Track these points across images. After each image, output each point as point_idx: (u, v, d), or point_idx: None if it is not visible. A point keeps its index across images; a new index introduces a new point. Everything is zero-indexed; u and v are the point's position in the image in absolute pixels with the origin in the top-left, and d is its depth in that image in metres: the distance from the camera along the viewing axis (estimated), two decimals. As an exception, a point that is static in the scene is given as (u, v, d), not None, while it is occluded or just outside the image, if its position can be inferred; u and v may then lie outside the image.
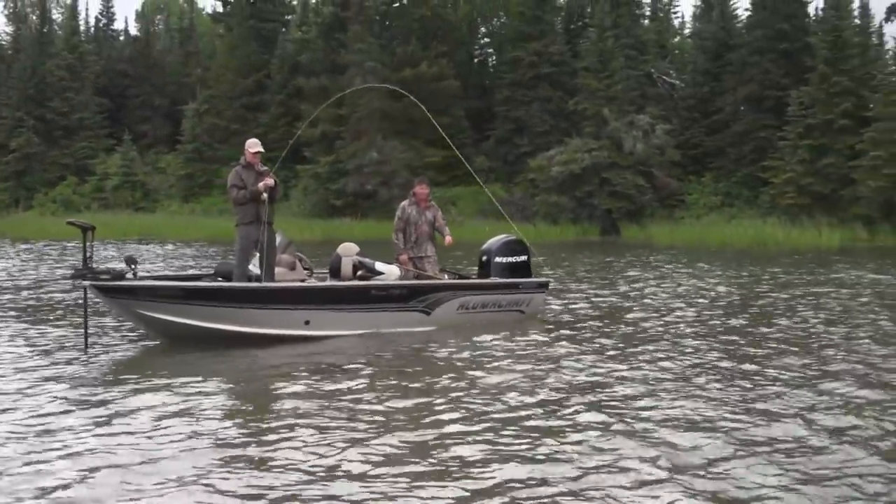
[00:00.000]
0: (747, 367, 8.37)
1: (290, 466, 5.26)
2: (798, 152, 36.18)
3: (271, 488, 4.90)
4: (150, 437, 5.83)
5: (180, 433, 5.93)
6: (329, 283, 10.56)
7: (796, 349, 9.39)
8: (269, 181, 9.71)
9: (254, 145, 10.00)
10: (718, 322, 11.62)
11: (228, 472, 5.17)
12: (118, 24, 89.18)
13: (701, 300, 14.14)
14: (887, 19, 39.04)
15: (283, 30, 50.47)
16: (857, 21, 43.06)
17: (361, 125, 41.14)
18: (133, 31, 65.05)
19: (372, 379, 7.81)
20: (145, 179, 48.33)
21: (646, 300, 14.18)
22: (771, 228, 33.20)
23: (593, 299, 14.25)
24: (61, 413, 6.43)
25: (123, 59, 58.69)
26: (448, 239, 11.44)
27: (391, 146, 40.63)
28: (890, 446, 5.75)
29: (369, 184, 40.20)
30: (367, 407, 6.69)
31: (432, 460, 5.40)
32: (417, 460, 5.39)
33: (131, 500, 4.72)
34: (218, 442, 5.78)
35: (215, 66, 50.80)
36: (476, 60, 53.61)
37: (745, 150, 40.25)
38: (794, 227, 33.16)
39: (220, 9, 54.66)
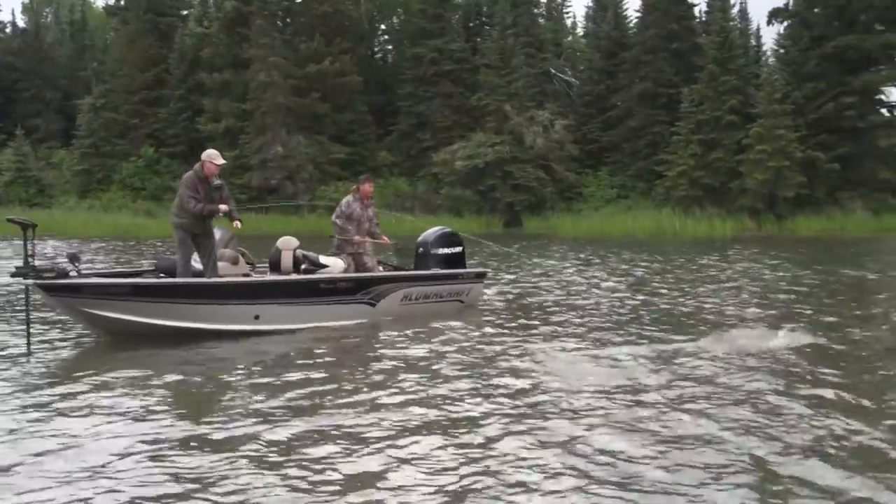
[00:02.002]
0: (671, 346, 8.72)
1: (235, 460, 5.13)
2: (689, 147, 37.37)
3: (214, 483, 4.76)
4: (94, 438, 5.54)
5: (124, 432, 5.66)
6: (279, 277, 10.36)
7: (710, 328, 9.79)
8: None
9: (216, 157, 9.65)
10: (640, 305, 11.99)
11: (173, 469, 4.98)
12: (4, 16, 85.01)
13: (620, 285, 14.54)
14: (769, 22, 40.62)
15: (182, 24, 49.07)
16: (738, 23, 44.87)
17: (266, 120, 40.46)
18: (21, 23, 61.91)
19: (321, 372, 7.63)
20: (39, 175, 46.25)
21: (576, 288, 14.47)
22: (668, 219, 34.28)
23: (523, 288, 14.43)
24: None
25: (11, 52, 55.93)
26: (385, 240, 11.58)
27: (296, 141, 40.12)
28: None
29: (274, 178, 39.62)
30: (317, 400, 6.54)
31: (381, 447, 5.37)
32: (363, 448, 5.34)
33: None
34: (163, 440, 5.53)
35: (111, 61, 48.99)
36: (377, 57, 53.42)
37: (639, 145, 41.37)
38: (688, 218, 34.37)
39: (113, 2, 52.79)
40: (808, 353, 8.28)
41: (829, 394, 6.61)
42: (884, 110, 38.11)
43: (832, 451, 5.24)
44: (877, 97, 37.74)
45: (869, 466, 4.95)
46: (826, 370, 7.50)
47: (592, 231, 33.80)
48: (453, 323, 10.29)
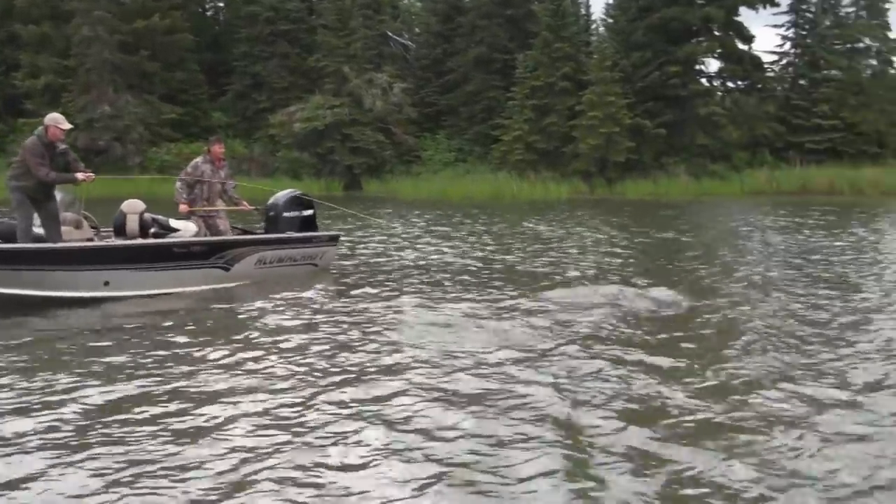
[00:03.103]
0: (512, 303, 9.08)
1: (87, 428, 4.96)
2: (524, 112, 38.07)
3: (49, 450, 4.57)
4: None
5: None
6: (131, 241, 9.75)
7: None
8: (91, 176, 9.21)
9: (62, 121, 9.08)
10: (495, 262, 12.26)
11: (22, 441, 4.75)
12: None
13: (461, 247, 14.82)
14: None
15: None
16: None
17: (90, 77, 38.05)
18: None
19: (177, 338, 7.40)
20: None
21: (420, 250, 14.63)
22: (505, 182, 34.95)
23: (372, 251, 14.46)
24: None
25: None
26: (245, 204, 11.25)
27: (124, 101, 38.00)
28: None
29: (102, 139, 37.41)
30: (174, 369, 6.29)
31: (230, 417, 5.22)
32: (215, 417, 5.21)
33: None
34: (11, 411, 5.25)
35: None
36: (209, 14, 51.29)
37: (476, 109, 41.77)
38: (524, 181, 35.15)
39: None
40: (624, 312, 8.66)
41: (640, 355, 6.77)
42: (703, 80, 40.25)
43: (644, 412, 5.32)
44: (697, 67, 39.66)
45: (681, 431, 5.02)
46: (636, 330, 7.81)
47: (432, 194, 34.00)
48: (307, 288, 10.14)
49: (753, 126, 39.86)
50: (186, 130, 38.91)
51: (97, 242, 9.51)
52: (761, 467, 4.41)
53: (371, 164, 38.94)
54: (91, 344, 7.16)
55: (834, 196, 33.30)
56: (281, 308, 8.84)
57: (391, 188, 36.68)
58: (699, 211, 27.16)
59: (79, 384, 5.82)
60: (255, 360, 6.55)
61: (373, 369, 6.23)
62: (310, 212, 11.69)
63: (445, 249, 14.75)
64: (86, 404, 5.38)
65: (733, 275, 11.62)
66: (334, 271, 11.86)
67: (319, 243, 11.65)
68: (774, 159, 39.57)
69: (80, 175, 9.12)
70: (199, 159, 10.87)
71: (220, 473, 4.30)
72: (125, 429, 4.92)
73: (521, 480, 4.27)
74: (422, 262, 12.89)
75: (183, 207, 10.64)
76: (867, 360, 6.69)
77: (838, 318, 8.41)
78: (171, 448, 4.62)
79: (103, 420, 5.07)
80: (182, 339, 7.32)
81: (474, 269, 12.17)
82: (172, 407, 5.31)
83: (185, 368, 6.27)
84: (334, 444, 4.70)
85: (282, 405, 5.35)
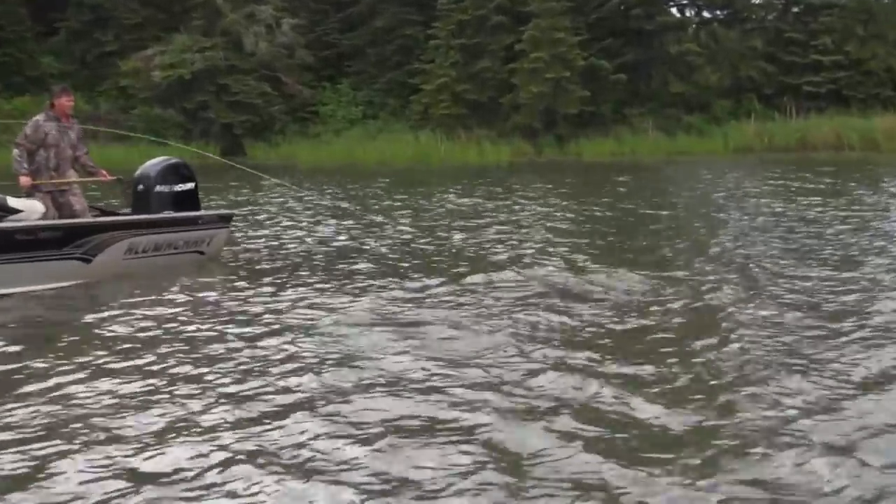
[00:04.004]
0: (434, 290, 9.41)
1: None
2: (450, 54, 38.35)
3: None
4: None
5: None
6: None
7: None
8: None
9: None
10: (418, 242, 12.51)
11: None
12: None
13: (379, 224, 15.06)
14: None
15: None
16: None
17: None
18: None
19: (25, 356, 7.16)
20: None
21: (328, 229, 14.89)
22: (431, 144, 35.36)
23: (271, 234, 14.62)
24: None
25: None
26: (105, 174, 11.04)
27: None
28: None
29: None
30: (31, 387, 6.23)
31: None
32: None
33: None
34: None
35: None
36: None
37: (388, 51, 41.85)
38: (454, 142, 35.55)
39: None
40: (570, 302, 8.83)
41: (586, 355, 6.92)
42: (673, 9, 41.02)
43: (595, 425, 5.40)
44: (666, -6, 40.42)
45: (636, 447, 5.10)
46: (584, 325, 7.96)
47: (338, 159, 34.19)
48: (192, 283, 10.06)
49: (737, 66, 40.76)
50: (8, 80, 38.41)
51: None
52: (754, 487, 4.53)
53: (256, 124, 38.92)
54: None
55: (841, 152, 34.09)
56: (156, 312, 8.67)
57: (284, 153, 36.76)
58: (671, 175, 27.81)
59: None
60: (119, 380, 6.40)
61: (270, 390, 6.25)
62: (190, 185, 11.47)
63: (357, 230, 14.90)
64: None
65: (707, 253, 11.87)
66: (227, 261, 11.80)
67: (207, 225, 11.53)
68: (764, 108, 40.38)
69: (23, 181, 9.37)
70: (39, 117, 10.61)
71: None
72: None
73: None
74: (328, 248, 12.97)
75: (24, 180, 10.21)
76: (867, 356, 6.77)
77: (832, 305, 8.57)
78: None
79: None
80: (21, 357, 7.23)
81: (391, 253, 12.32)
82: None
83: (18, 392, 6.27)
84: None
85: (139, 445, 5.26)
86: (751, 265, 10.90)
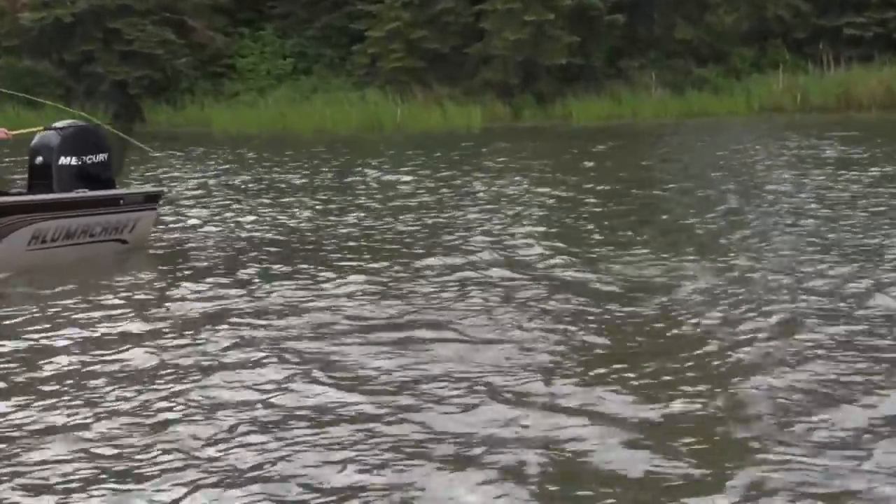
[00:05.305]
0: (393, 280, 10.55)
1: None
2: (403, -8, 38.60)
3: None
4: None
5: None
6: None
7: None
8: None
9: None
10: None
11: None
12: None
13: (325, 208, 16.69)
14: None
15: None
16: None
17: None
18: None
19: None
20: None
21: (268, 212, 16.28)
22: (382, 106, 36.39)
23: (199, 218, 15.61)
24: None
25: None
26: (4, 131, 11.67)
27: None
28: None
29: None
30: None
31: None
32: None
33: None
34: None
35: None
36: None
37: (322, -13, 41.87)
38: (410, 103, 36.60)
39: None
40: (551, 298, 9.66)
41: (567, 357, 7.70)
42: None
43: (576, 442, 5.91)
44: None
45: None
46: (566, 325, 8.64)
47: (268, 125, 34.96)
48: (112, 280, 10.55)
49: (760, 5, 40.55)
50: None
51: None
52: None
53: (156, 80, 39.69)
54: None
55: (893, 111, 33.79)
56: (69, 315, 8.92)
57: (193, 117, 37.48)
58: (679, 142, 28.24)
59: None
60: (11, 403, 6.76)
61: (206, 404, 6.73)
62: (103, 156, 11.85)
63: (296, 214, 16.07)
64: None
65: (715, 238, 12.75)
66: (154, 251, 12.58)
67: (130, 207, 12.01)
68: (795, 57, 40.21)
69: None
70: None
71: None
72: None
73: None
74: (265, 235, 13.93)
75: None
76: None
77: (849, 300, 9.09)
78: None
79: None
80: None
81: (334, 241, 13.19)
82: None
83: None
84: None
85: (53, 460, 5.75)
86: (762, 254, 11.57)
